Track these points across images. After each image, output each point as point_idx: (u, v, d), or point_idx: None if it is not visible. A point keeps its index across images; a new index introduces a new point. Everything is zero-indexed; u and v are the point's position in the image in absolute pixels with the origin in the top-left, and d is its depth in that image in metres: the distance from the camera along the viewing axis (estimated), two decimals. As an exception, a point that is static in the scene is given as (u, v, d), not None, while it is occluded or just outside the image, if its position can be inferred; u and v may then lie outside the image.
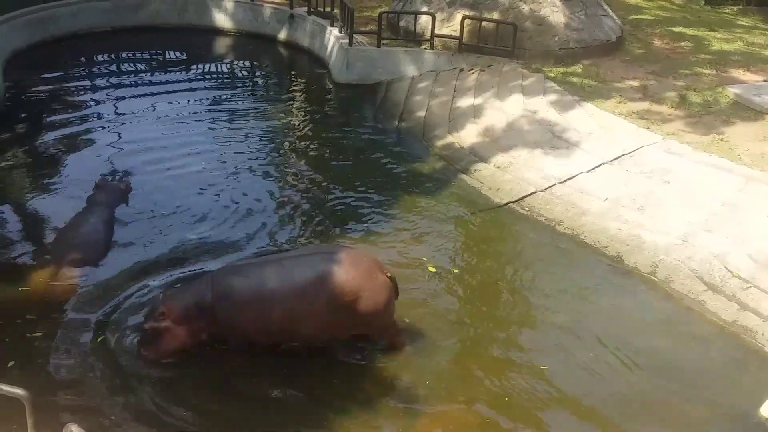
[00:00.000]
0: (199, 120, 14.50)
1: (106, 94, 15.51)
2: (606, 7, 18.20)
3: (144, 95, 15.57)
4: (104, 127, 13.67)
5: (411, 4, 18.28)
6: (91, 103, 15.05)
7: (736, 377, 8.14)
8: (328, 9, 18.45)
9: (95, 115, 14.30)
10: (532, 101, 14.07)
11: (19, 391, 5.18)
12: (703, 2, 23.22)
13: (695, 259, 9.61)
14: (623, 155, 11.87)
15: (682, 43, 18.03)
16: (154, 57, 18.35)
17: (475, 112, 14.17)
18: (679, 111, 13.61)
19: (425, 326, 8.49)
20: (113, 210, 10.37)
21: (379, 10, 18.36)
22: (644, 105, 13.89)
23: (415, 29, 17.16)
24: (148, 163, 12.21)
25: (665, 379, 7.98)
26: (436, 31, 16.50)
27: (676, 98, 14.11)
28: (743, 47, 17.78)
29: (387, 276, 7.68)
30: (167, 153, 12.62)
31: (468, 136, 13.45)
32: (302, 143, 13.76)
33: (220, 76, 17.75)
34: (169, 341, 7.51)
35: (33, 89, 15.58)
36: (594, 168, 11.73)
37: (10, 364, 7.47)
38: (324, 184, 12.02)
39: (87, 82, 16.47)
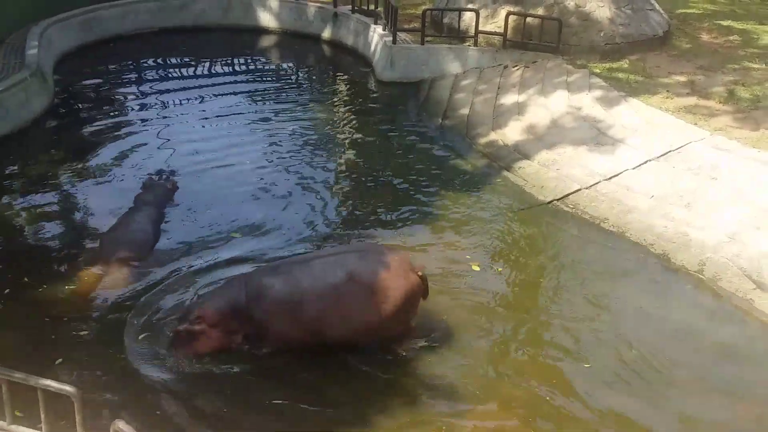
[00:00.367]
0: (245, 118, 14.66)
1: (152, 94, 15.75)
2: (653, 1, 17.97)
3: (189, 94, 15.77)
4: (150, 126, 13.88)
5: (455, 1, 18.23)
6: (137, 102, 15.29)
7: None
8: (372, 7, 18.51)
9: (141, 115, 14.53)
10: (576, 97, 13.95)
11: (68, 388, 5.28)
12: (752, -5, 22.81)
13: (743, 257, 9.43)
14: (670, 151, 11.71)
15: (731, 37, 17.73)
16: (200, 56, 18.52)
17: (519, 109, 14.09)
18: (727, 106, 13.38)
19: (467, 325, 8.46)
20: (161, 209, 10.51)
21: (423, 7, 18.37)
22: (691, 100, 13.69)
23: (459, 26, 17.10)
24: (194, 161, 12.38)
25: (711, 378, 7.86)
26: (480, 28, 16.43)
27: (724, 93, 13.88)
28: (794, 40, 17.44)
29: (418, 275, 7.69)
30: (213, 151, 12.77)
31: (512, 133, 13.38)
32: (345, 141, 13.83)
33: (265, 74, 17.90)
34: (205, 343, 7.58)
35: (81, 89, 15.90)
36: (640, 165, 11.59)
37: (58, 361, 7.60)
38: (367, 181, 12.08)
39: (133, 82, 16.79)
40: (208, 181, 11.72)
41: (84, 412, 5.32)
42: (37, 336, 7.98)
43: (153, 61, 18.32)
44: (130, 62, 18.19)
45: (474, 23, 16.42)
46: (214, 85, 16.47)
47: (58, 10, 17.83)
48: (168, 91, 15.96)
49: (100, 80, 16.52)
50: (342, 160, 12.90)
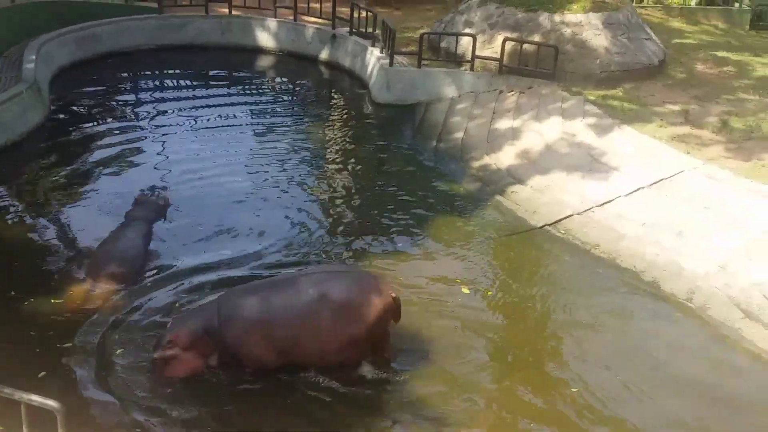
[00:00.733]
0: (240, 136, 14.71)
1: (148, 110, 15.76)
2: (649, 30, 18.09)
3: (184, 111, 15.78)
4: (145, 143, 13.88)
5: (453, 25, 18.33)
6: (133, 118, 15.30)
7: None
8: (369, 30, 18.58)
9: (136, 131, 14.51)
10: (571, 124, 14.00)
11: (51, 403, 5.23)
12: (747, 27, 22.96)
13: (734, 286, 9.44)
14: (662, 179, 11.74)
15: (726, 68, 17.85)
16: (197, 74, 18.60)
17: (514, 134, 14.13)
18: (720, 136, 13.44)
19: (455, 347, 8.45)
20: (151, 225, 10.47)
21: (420, 31, 18.44)
22: (685, 129, 13.75)
23: (456, 50, 17.19)
24: (188, 177, 12.39)
25: (702, 405, 7.86)
26: (477, 53, 16.49)
27: (718, 123, 13.94)
28: (788, 73, 17.55)
29: (392, 297, 7.72)
30: (207, 168, 12.79)
31: (505, 157, 13.41)
32: (339, 161, 13.85)
33: (262, 93, 17.96)
34: (179, 367, 7.55)
35: (77, 105, 15.89)
36: (632, 192, 11.62)
37: (41, 374, 7.56)
38: (359, 202, 12.09)
39: (130, 98, 16.84)
40: (201, 198, 11.70)
41: (67, 426, 5.27)
42: (22, 350, 7.92)
43: (150, 77, 18.38)
44: (126, 78, 18.24)
45: (471, 48, 16.49)
46: (210, 105, 16.42)
47: (56, 26, 17.89)
48: (164, 107, 15.97)
49: (95, 95, 16.52)
50: (335, 181, 12.90)
